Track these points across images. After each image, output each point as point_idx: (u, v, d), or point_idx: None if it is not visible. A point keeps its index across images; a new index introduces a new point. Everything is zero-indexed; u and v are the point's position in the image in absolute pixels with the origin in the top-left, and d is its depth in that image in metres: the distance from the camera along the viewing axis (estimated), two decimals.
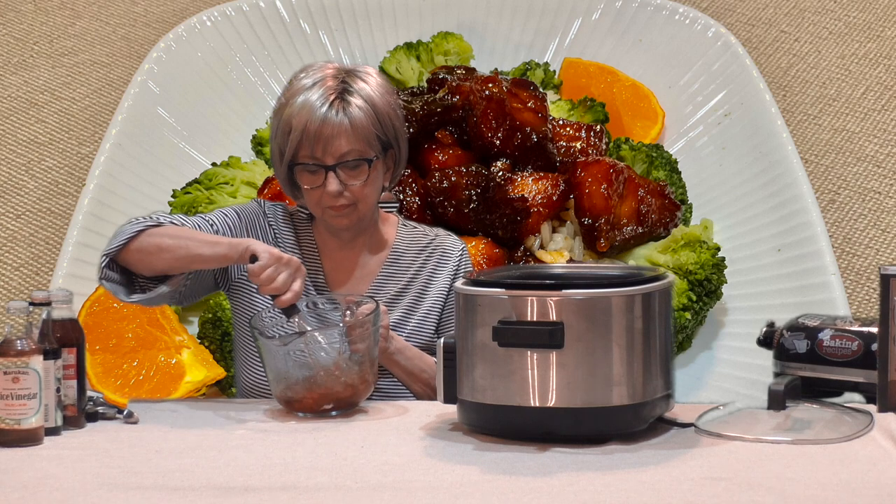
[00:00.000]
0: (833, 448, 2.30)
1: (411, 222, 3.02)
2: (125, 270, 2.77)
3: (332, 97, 2.77)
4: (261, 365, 2.82)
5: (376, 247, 2.93)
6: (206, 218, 2.85)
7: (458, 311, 2.41)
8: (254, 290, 2.85)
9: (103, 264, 2.75)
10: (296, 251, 2.88)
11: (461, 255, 2.97)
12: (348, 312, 2.67)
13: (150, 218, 2.77)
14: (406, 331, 2.88)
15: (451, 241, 2.99)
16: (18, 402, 2.36)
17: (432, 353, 2.86)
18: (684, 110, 4.37)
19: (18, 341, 2.37)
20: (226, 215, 2.88)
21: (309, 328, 2.63)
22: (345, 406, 2.59)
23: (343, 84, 2.79)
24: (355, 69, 2.84)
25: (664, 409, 2.41)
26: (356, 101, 2.77)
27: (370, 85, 2.81)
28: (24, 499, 2.08)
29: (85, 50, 4.79)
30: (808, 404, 2.48)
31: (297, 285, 2.64)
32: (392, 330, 2.83)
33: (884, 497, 2.06)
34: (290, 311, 2.65)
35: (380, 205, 2.93)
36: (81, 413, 2.51)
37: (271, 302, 2.68)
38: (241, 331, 2.89)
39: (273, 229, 2.89)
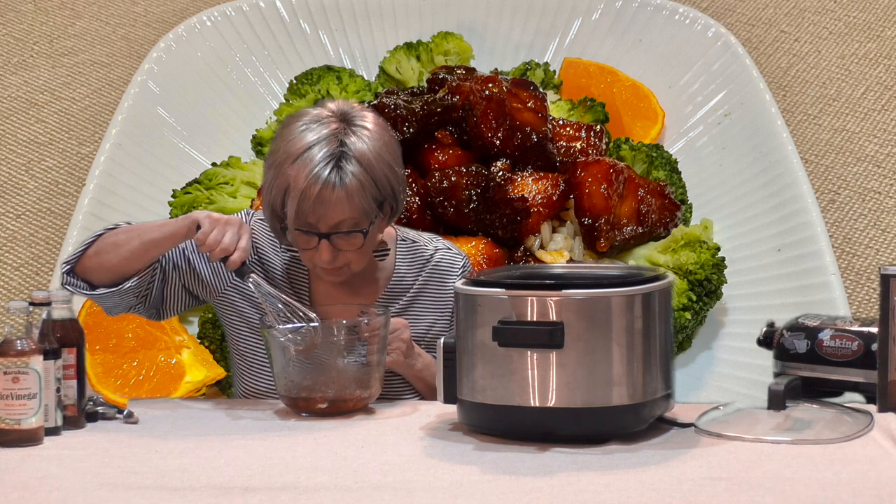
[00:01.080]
0: (833, 448, 2.30)
1: (410, 233, 2.94)
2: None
3: (330, 164, 2.66)
4: (256, 374, 2.83)
5: (374, 272, 2.87)
6: None
7: (458, 311, 2.41)
8: (241, 299, 2.83)
9: (64, 271, 2.75)
10: (280, 275, 2.83)
11: (463, 269, 2.92)
12: (364, 321, 2.64)
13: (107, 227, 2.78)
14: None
15: (451, 256, 2.92)
16: (18, 402, 2.36)
17: None
18: (684, 110, 4.37)
19: (18, 341, 2.37)
20: None
21: (314, 323, 2.63)
22: (346, 410, 2.58)
23: (340, 148, 2.67)
24: (352, 119, 2.71)
25: (664, 409, 2.41)
26: (351, 167, 2.66)
27: (365, 141, 2.70)
28: (24, 499, 2.08)
29: (85, 50, 4.79)
30: (808, 404, 2.48)
31: (243, 242, 2.66)
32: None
33: (884, 497, 2.06)
34: (242, 271, 2.67)
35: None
36: (81, 413, 2.51)
37: (243, 285, 2.67)
38: (235, 341, 2.87)
39: (258, 249, 2.84)
